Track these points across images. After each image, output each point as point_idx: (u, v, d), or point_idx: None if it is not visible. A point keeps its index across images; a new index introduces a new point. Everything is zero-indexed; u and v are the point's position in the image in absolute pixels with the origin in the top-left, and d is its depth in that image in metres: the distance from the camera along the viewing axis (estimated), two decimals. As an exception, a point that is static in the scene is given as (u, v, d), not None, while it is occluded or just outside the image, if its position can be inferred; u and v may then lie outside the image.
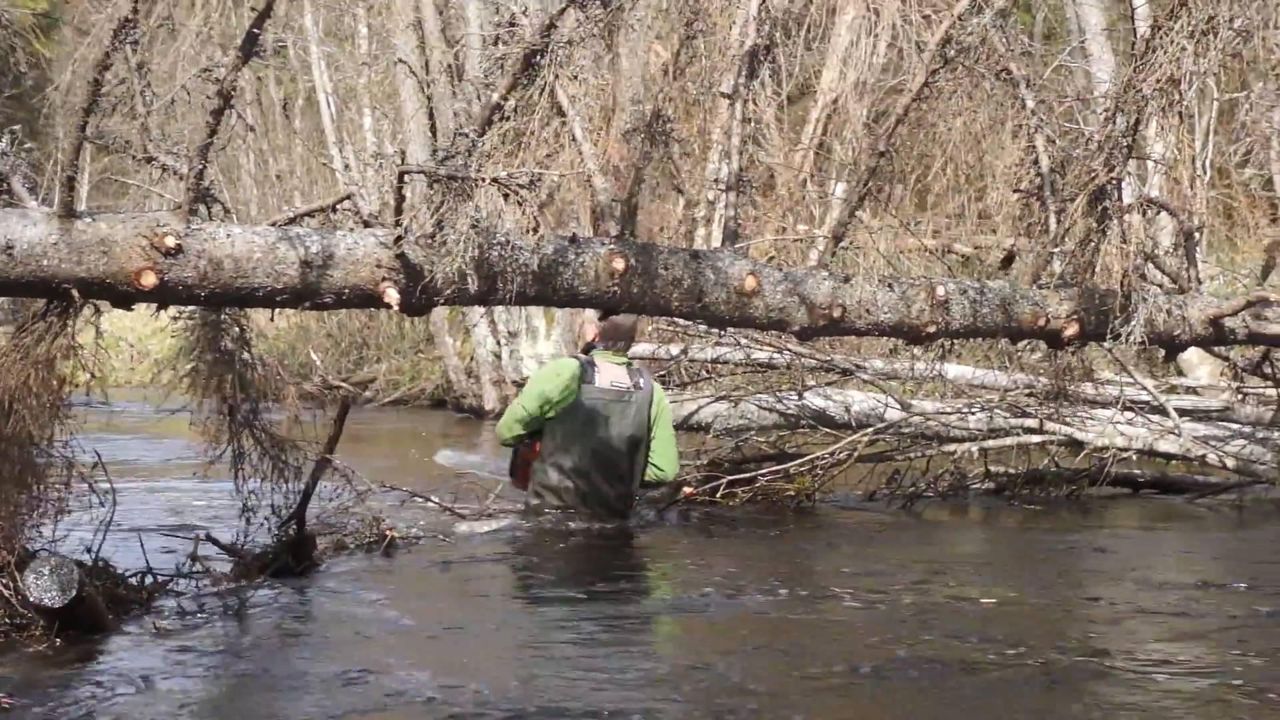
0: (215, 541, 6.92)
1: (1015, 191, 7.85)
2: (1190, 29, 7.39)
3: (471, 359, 19.81)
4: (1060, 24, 18.26)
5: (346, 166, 23.52)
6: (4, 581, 5.75)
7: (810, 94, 17.16)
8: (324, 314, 18.26)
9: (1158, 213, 8.01)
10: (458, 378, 20.08)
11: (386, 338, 21.76)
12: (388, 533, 7.95)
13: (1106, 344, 7.79)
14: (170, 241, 5.87)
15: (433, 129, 20.02)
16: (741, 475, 9.99)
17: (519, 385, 18.93)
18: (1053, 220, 7.85)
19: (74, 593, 5.74)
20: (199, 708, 5.05)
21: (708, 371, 10.96)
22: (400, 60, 20.66)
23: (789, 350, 10.60)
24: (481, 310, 18.70)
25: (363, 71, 24.39)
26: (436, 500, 9.06)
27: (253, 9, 5.90)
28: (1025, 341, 8.47)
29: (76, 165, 5.79)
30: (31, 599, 5.72)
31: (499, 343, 19.13)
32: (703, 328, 10.63)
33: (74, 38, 29.25)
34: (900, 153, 7.93)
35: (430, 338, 20.85)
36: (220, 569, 6.91)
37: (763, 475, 10.04)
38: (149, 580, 6.61)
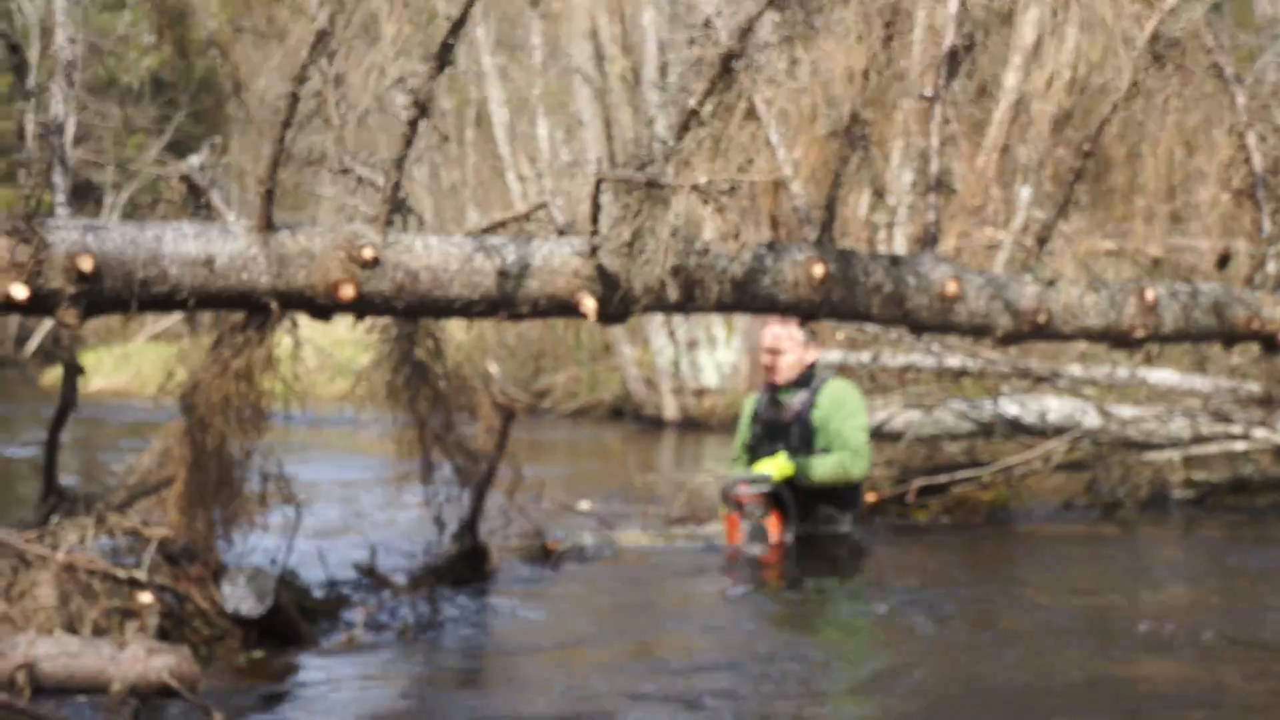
0: (366, 569, 6.87)
1: (1228, 191, 7.57)
2: None
3: (651, 368, 19.70)
4: (1247, 20, 17.81)
5: (521, 177, 23.51)
6: (202, 592, 5.73)
7: (989, 95, 16.89)
8: (501, 325, 18.26)
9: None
10: (636, 387, 19.97)
11: (564, 347, 21.73)
12: (551, 546, 7.89)
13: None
14: (368, 253, 5.82)
15: (609, 138, 19.96)
16: (934, 483, 9.78)
17: (698, 394, 18.83)
18: (1267, 221, 7.57)
19: (270, 602, 5.73)
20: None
21: (898, 379, 10.75)
22: (576, 69, 20.63)
23: (982, 356, 10.38)
24: (660, 318, 18.60)
25: (536, 82, 24.42)
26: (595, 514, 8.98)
27: (447, 18, 5.83)
28: (1229, 346, 8.18)
29: (274, 178, 5.75)
30: (229, 609, 5.70)
31: (678, 352, 19.02)
32: (893, 334, 10.44)
33: (255, 42, 29.69)
34: (1104, 153, 7.70)
35: (608, 347, 20.78)
36: (400, 579, 6.90)
37: (956, 483, 9.83)
38: (334, 593, 6.60)
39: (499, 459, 6.98)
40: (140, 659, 4.33)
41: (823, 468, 8.25)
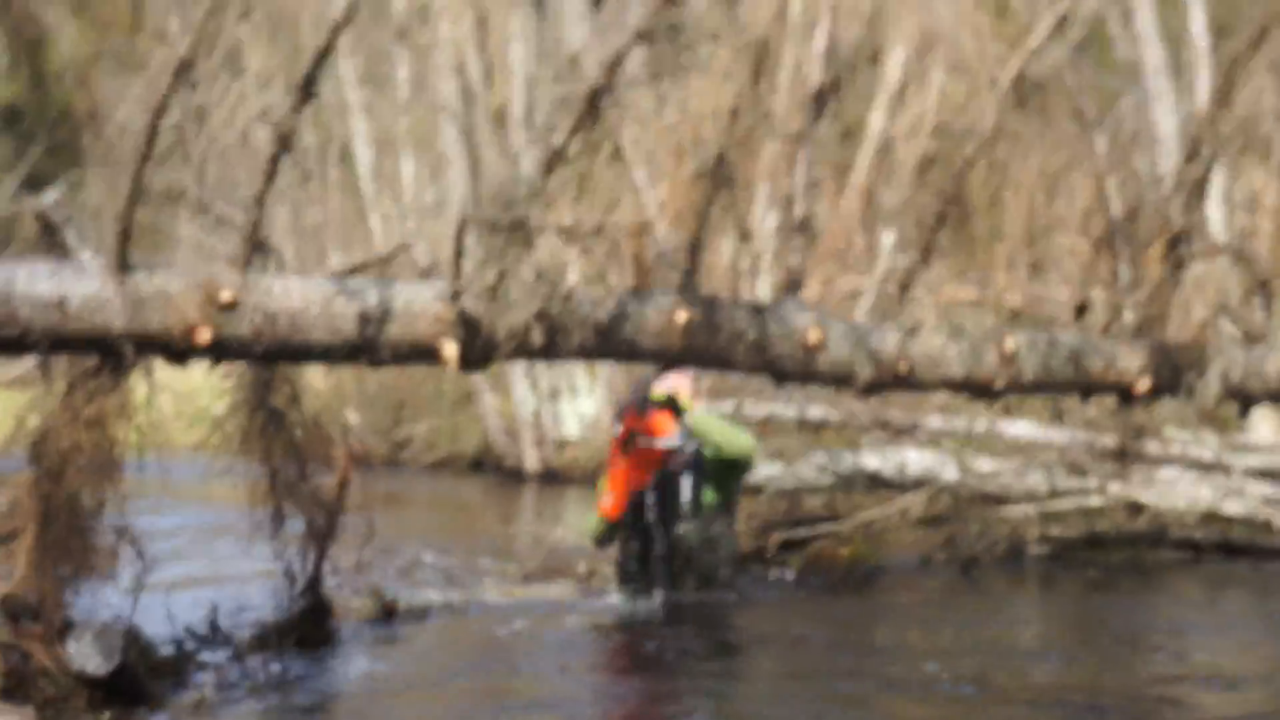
0: (210, 629, 6.75)
1: (1086, 239, 7.66)
2: (1271, 63, 7.22)
3: (512, 419, 19.58)
4: (1107, 64, 18.05)
5: (385, 217, 23.34)
6: (47, 650, 5.58)
7: (853, 138, 16.96)
8: (360, 372, 18.09)
9: (1233, 261, 7.81)
10: (498, 438, 19.84)
11: (425, 397, 21.53)
12: (389, 606, 7.78)
13: (1181, 399, 7.58)
14: (226, 296, 5.71)
15: (475, 176, 19.82)
16: (794, 537, 9.76)
17: (559, 446, 18.74)
18: (1124, 269, 7.65)
19: (117, 660, 5.58)
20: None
21: (760, 430, 10.73)
22: (442, 106, 20.50)
23: (843, 407, 10.40)
24: (522, 367, 18.50)
25: (401, 118, 24.25)
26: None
27: (313, 48, 5.75)
28: (1087, 397, 8.24)
29: (131, 216, 5.63)
30: (74, 668, 5.55)
31: (539, 401, 18.93)
32: (754, 384, 10.43)
33: (115, 72, 29.23)
34: (967, 199, 7.76)
35: (470, 396, 20.62)
36: (244, 636, 6.76)
37: (815, 538, 9.83)
38: (181, 651, 6.45)
39: (337, 514, 6.83)
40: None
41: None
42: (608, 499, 8.19)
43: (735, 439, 8.23)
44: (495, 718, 5.76)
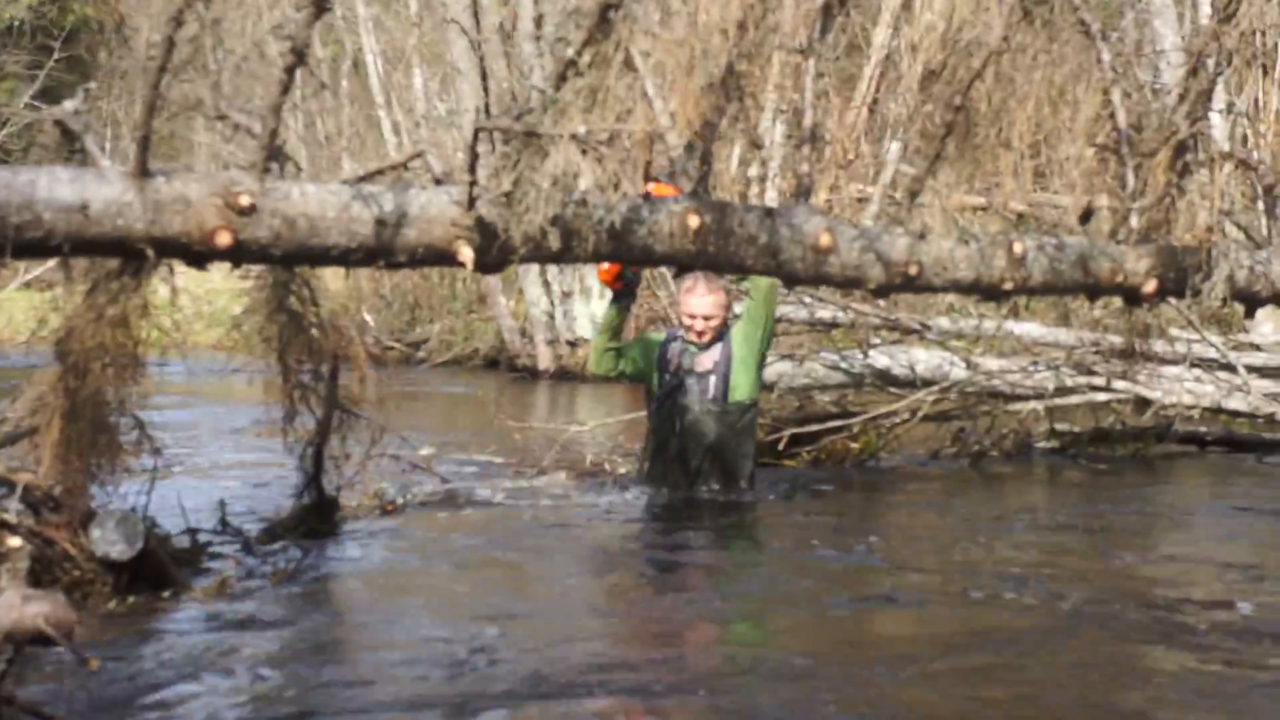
0: (220, 522, 6.92)
1: (1093, 146, 7.70)
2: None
3: (525, 319, 19.69)
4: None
5: (396, 128, 23.39)
6: (70, 537, 5.71)
7: (857, 51, 16.98)
8: (376, 275, 18.20)
9: (1237, 167, 7.87)
10: (511, 338, 19.96)
11: (439, 298, 21.65)
12: (388, 508, 7.94)
13: (1186, 301, 7.65)
14: (245, 200, 5.79)
15: (485, 89, 19.88)
16: (806, 431, 9.89)
17: (572, 345, 18.87)
18: (1130, 176, 7.70)
19: (140, 546, 5.73)
20: (274, 671, 5.01)
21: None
22: (451, 20, 20.50)
23: (853, 308, 10.50)
24: (535, 269, 18.60)
25: (412, 32, 24.26)
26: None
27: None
28: (1094, 299, 8.32)
29: (150, 124, 5.71)
30: (98, 553, 5.69)
31: (553, 303, 19.02)
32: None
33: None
34: (973, 109, 7.79)
35: (483, 298, 20.72)
36: (253, 531, 6.99)
37: (827, 433, 9.96)
38: (195, 541, 6.64)
39: (330, 411, 6.95)
40: (15, 606, 4.30)
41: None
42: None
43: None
44: (482, 602, 5.97)
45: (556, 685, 4.66)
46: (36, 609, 4.31)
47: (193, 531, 6.68)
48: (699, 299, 8.42)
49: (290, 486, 7.22)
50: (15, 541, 5.40)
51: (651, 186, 7.69)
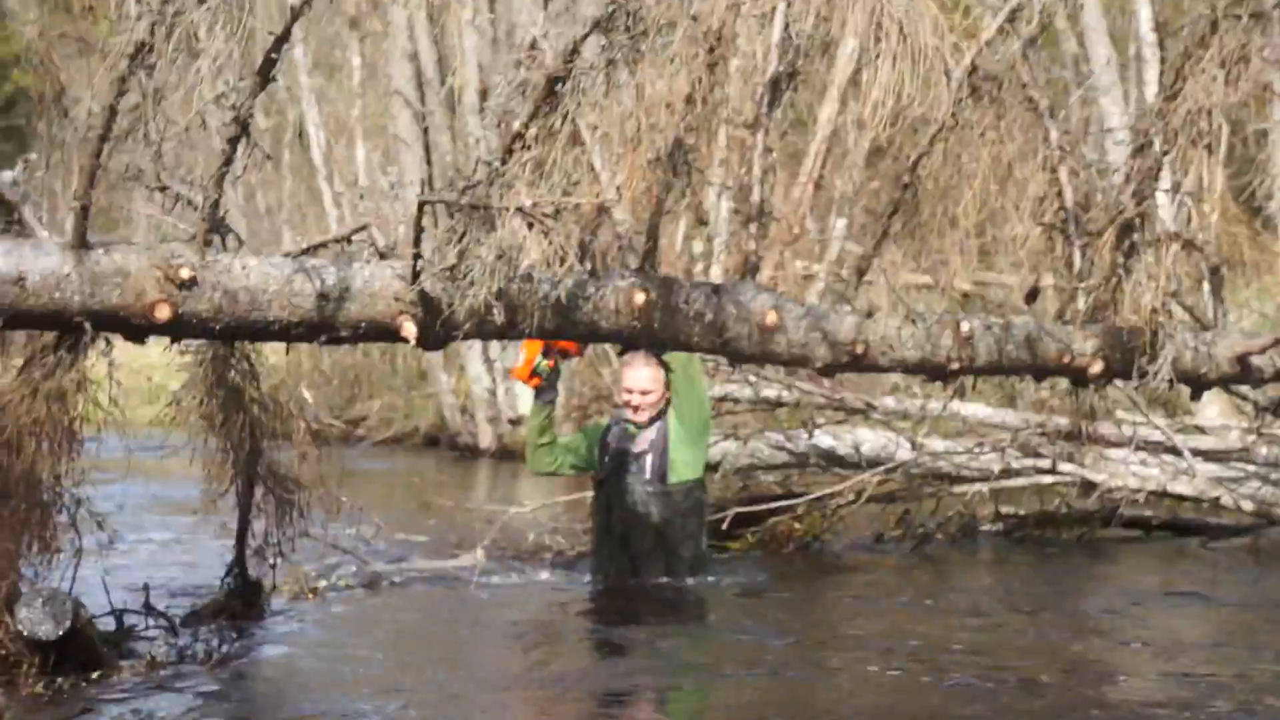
0: (142, 609, 6.80)
1: (1040, 225, 7.68)
2: (1221, 58, 7.25)
3: (467, 396, 19.59)
4: (1055, 58, 18.16)
5: (338, 201, 23.34)
6: (1, 620, 5.59)
7: (804, 127, 17.01)
8: (315, 350, 18.03)
9: (1183, 249, 7.85)
10: (452, 416, 19.85)
11: (380, 374, 21.54)
12: (309, 593, 7.84)
13: (1133, 383, 7.62)
14: (185, 273, 5.71)
15: (429, 162, 19.83)
16: (750, 512, 9.82)
17: (514, 423, 18.75)
18: (1077, 255, 7.69)
19: (68, 625, 5.61)
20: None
21: (715, 409, 10.77)
22: (396, 91, 20.46)
23: (798, 388, 10.45)
24: (478, 346, 18.51)
25: (355, 103, 24.25)
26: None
27: (270, 33, 5.75)
28: (1040, 380, 8.30)
29: (90, 194, 5.63)
30: (25, 633, 5.56)
31: (495, 380, 18.94)
32: (709, 363, 10.46)
33: (74, 55, 29.01)
34: (920, 186, 7.77)
35: (424, 375, 20.64)
36: (178, 614, 6.89)
37: (771, 514, 9.89)
38: (119, 623, 6.53)
39: (251, 492, 6.84)
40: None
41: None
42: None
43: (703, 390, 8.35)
44: (411, 682, 5.94)
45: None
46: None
47: (118, 613, 6.54)
48: (636, 372, 8.34)
49: (219, 567, 7.12)
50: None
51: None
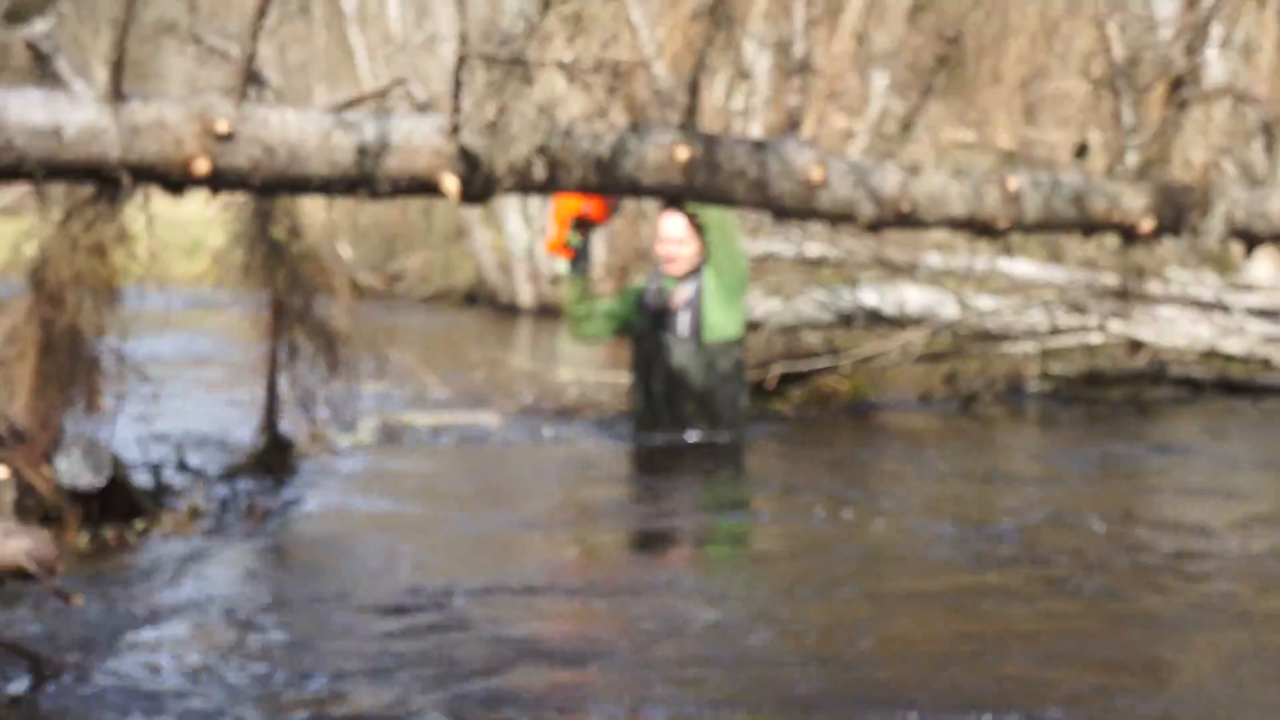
0: (178, 462, 6.80)
1: (1088, 80, 7.56)
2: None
3: (505, 254, 19.48)
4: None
5: (371, 57, 23.10)
6: (39, 469, 5.58)
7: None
8: (352, 206, 17.94)
9: (1235, 103, 7.73)
10: (491, 273, 19.76)
11: (417, 231, 21.39)
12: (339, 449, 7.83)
13: (1184, 239, 7.52)
14: (223, 126, 5.63)
15: (462, 18, 19.56)
16: (794, 371, 9.76)
17: (553, 281, 18.68)
18: (1126, 111, 7.56)
19: (108, 474, 5.60)
20: (252, 611, 4.90)
21: (758, 268, 10.68)
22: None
23: (841, 245, 10.34)
24: (515, 203, 18.40)
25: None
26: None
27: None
28: (1088, 236, 8.19)
29: (124, 46, 5.53)
30: (65, 484, 5.55)
31: (533, 237, 18.82)
32: (750, 221, 10.37)
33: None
34: (966, 41, 7.65)
35: (461, 231, 20.52)
36: (213, 469, 6.88)
37: (815, 372, 9.83)
38: (155, 477, 6.47)
39: (275, 347, 6.79)
40: (-5, 541, 4.18)
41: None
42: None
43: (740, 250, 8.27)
44: (451, 547, 5.91)
45: (526, 654, 4.52)
46: (18, 544, 4.19)
47: (155, 467, 6.53)
48: (671, 221, 8.23)
49: (253, 422, 7.10)
50: (1, 472, 5.26)
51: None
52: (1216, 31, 7.91)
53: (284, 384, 6.84)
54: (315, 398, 6.89)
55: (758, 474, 7.82)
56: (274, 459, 7.00)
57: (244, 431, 7.23)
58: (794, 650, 4.47)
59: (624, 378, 9.07)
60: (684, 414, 8.25)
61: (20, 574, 4.17)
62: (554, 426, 8.74)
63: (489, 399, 9.53)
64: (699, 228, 8.11)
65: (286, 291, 6.40)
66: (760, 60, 15.50)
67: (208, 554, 5.57)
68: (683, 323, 8.24)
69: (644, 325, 8.35)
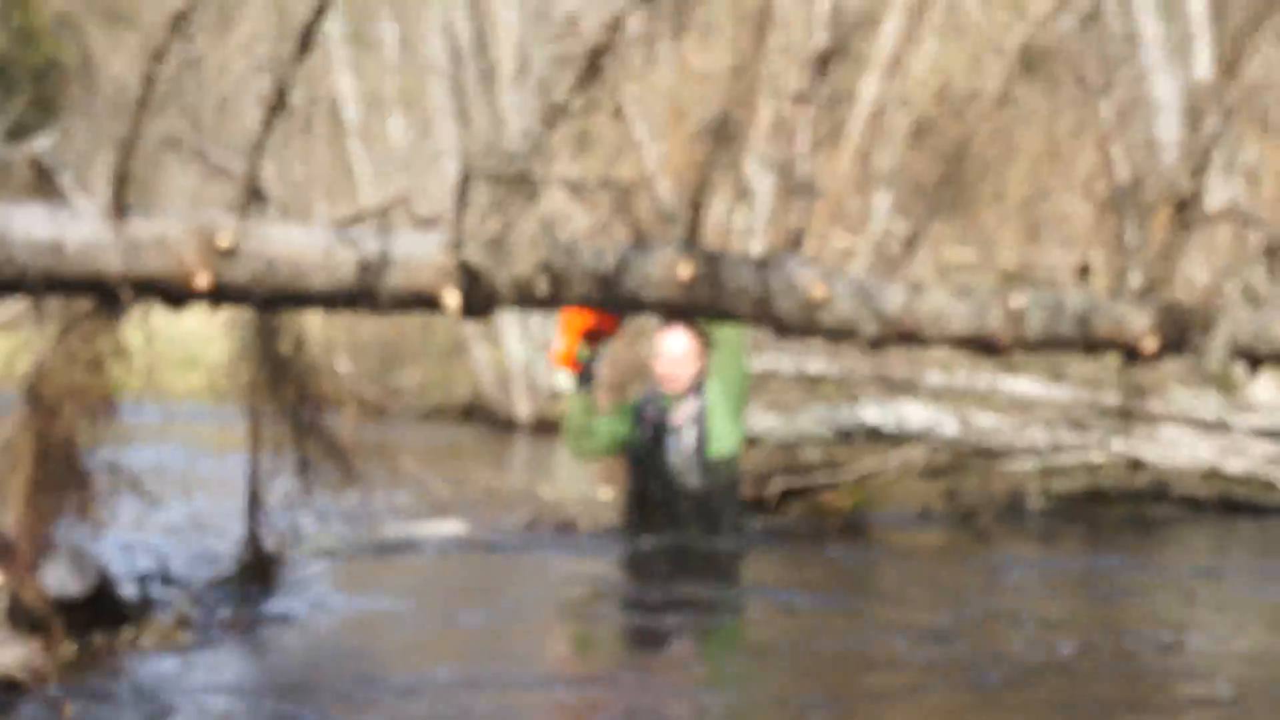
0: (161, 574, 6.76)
1: (1091, 201, 7.58)
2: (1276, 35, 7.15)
3: (504, 369, 19.49)
4: (1105, 34, 17.98)
5: (373, 174, 23.25)
6: (26, 579, 5.52)
7: (842, 101, 16.83)
8: (351, 321, 18.00)
9: (1239, 226, 7.76)
10: (489, 388, 19.76)
11: (415, 345, 21.44)
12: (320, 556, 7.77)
13: (1188, 359, 7.51)
14: (225, 241, 5.64)
15: (464, 136, 19.72)
16: (794, 487, 9.73)
17: (552, 397, 18.65)
18: (1130, 232, 7.57)
19: (94, 581, 5.56)
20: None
21: (758, 384, 10.67)
22: (430, 66, 20.37)
23: (841, 362, 10.33)
24: (513, 318, 18.42)
25: (389, 77, 24.14)
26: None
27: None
28: (1090, 355, 8.19)
29: (128, 162, 5.55)
30: (52, 592, 5.51)
31: (531, 353, 18.82)
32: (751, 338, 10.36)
33: (104, 25, 29.06)
34: (970, 162, 7.68)
35: (460, 345, 20.55)
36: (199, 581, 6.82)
37: (815, 488, 9.80)
38: (141, 589, 6.43)
39: (257, 460, 6.75)
40: (-13, 651, 4.13)
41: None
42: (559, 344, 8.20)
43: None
44: (448, 650, 5.88)
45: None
46: (10, 653, 4.15)
47: (142, 579, 6.49)
48: (672, 339, 8.23)
49: (233, 538, 7.07)
50: (-2, 577, 5.23)
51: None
52: (1220, 155, 7.93)
53: (268, 494, 6.79)
54: (299, 508, 6.85)
55: (752, 579, 7.80)
56: (258, 569, 6.95)
57: (228, 542, 7.18)
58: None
59: (612, 495, 9.05)
60: (683, 525, 8.22)
61: (12, 684, 4.12)
62: (538, 536, 8.70)
63: (466, 510, 9.49)
64: (709, 343, 8.11)
65: (293, 405, 6.36)
66: (762, 179, 15.56)
67: (195, 663, 5.52)
68: (686, 439, 8.22)
69: (642, 442, 8.32)
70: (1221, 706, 5.20)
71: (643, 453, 8.33)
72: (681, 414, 8.25)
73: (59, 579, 5.53)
